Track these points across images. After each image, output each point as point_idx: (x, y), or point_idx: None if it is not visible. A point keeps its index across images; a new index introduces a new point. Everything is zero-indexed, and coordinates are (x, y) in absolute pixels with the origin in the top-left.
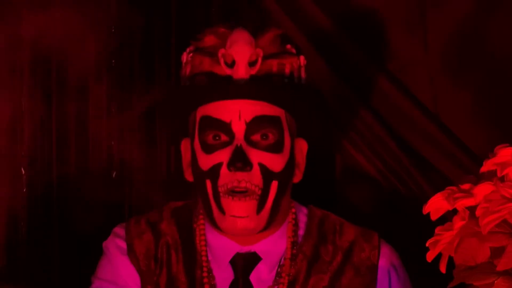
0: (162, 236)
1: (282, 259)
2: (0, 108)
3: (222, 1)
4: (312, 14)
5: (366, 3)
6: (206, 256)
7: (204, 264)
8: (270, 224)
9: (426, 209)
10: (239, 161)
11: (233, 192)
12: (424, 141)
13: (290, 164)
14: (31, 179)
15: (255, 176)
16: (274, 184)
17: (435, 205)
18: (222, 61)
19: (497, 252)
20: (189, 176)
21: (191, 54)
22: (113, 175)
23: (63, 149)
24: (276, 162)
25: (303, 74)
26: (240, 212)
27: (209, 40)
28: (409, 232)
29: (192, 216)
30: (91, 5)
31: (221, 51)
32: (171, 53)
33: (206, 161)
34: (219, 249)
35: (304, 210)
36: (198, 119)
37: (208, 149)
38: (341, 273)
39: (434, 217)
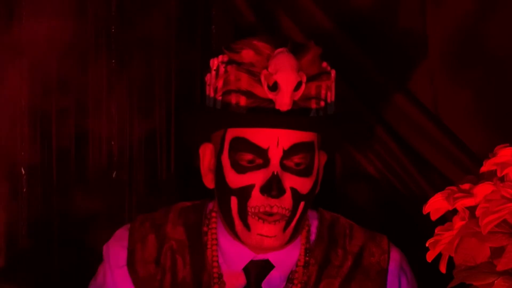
0: (166, 241)
1: (295, 266)
2: None
3: (222, 2)
4: (312, 14)
5: (366, 3)
6: (217, 260)
7: (215, 270)
8: (293, 239)
9: (426, 209)
10: (275, 190)
11: (263, 215)
12: (424, 141)
13: (316, 182)
14: (31, 179)
15: (287, 201)
16: (302, 205)
17: (435, 205)
18: (265, 84)
19: (497, 252)
20: (208, 183)
21: (224, 65)
22: (113, 175)
23: (63, 149)
24: (306, 185)
25: (333, 92)
26: (268, 232)
27: (247, 55)
28: (409, 232)
29: (201, 217)
30: (92, 2)
31: (264, 73)
32: (171, 54)
33: (236, 180)
34: (232, 255)
35: (315, 214)
36: (230, 136)
37: (240, 169)
38: (351, 277)
39: (434, 217)
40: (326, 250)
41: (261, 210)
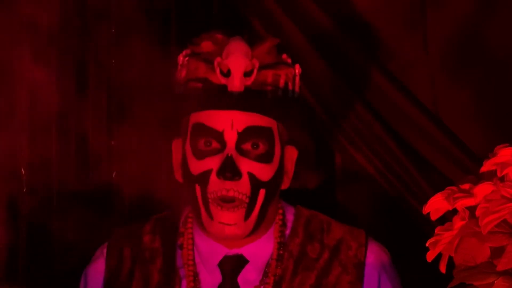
0: (141, 252)
1: (270, 260)
2: (0, 107)
3: (222, 2)
4: (312, 14)
5: (366, 3)
6: (193, 259)
7: (191, 268)
8: (257, 229)
9: (426, 209)
10: (229, 171)
11: (222, 201)
12: (424, 141)
13: (279, 172)
14: (31, 179)
15: (244, 185)
16: (262, 193)
17: (435, 205)
18: (218, 70)
19: (497, 252)
20: (179, 177)
21: (187, 58)
22: (113, 175)
23: (63, 149)
24: (265, 172)
25: (297, 84)
26: (228, 220)
27: (205, 46)
28: (409, 232)
29: (178, 221)
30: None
31: (217, 60)
32: (171, 56)
33: (196, 166)
34: (207, 252)
35: (292, 210)
36: (190, 124)
37: (199, 154)
38: (328, 270)
39: (434, 217)
40: (301, 245)
41: (218, 194)
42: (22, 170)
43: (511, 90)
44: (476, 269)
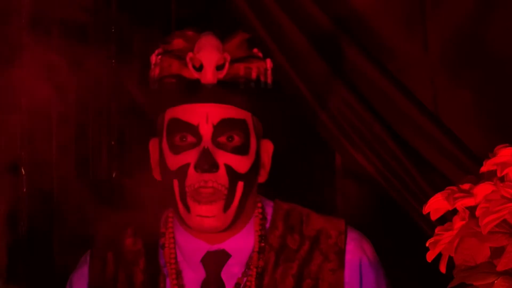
0: (123, 255)
1: (251, 253)
2: (0, 107)
3: (222, 3)
4: (312, 14)
5: (366, 3)
6: (175, 258)
7: (173, 266)
8: (236, 221)
9: (426, 209)
10: (206, 163)
11: (200, 195)
12: (424, 141)
13: (256, 165)
14: (31, 179)
15: (221, 177)
16: (240, 185)
17: (435, 205)
18: (190, 65)
19: (497, 252)
20: (157, 175)
21: (160, 56)
22: (113, 175)
23: (63, 149)
24: (241, 164)
25: (269, 77)
26: (207, 212)
27: (177, 43)
28: (408, 232)
29: (159, 223)
30: None
31: (189, 55)
32: None
33: (173, 162)
34: (189, 249)
35: (271, 204)
36: (166, 121)
37: (176, 150)
38: (310, 260)
39: (434, 217)
40: (281, 237)
41: (196, 186)
42: (22, 170)
43: (511, 90)
44: (476, 269)
